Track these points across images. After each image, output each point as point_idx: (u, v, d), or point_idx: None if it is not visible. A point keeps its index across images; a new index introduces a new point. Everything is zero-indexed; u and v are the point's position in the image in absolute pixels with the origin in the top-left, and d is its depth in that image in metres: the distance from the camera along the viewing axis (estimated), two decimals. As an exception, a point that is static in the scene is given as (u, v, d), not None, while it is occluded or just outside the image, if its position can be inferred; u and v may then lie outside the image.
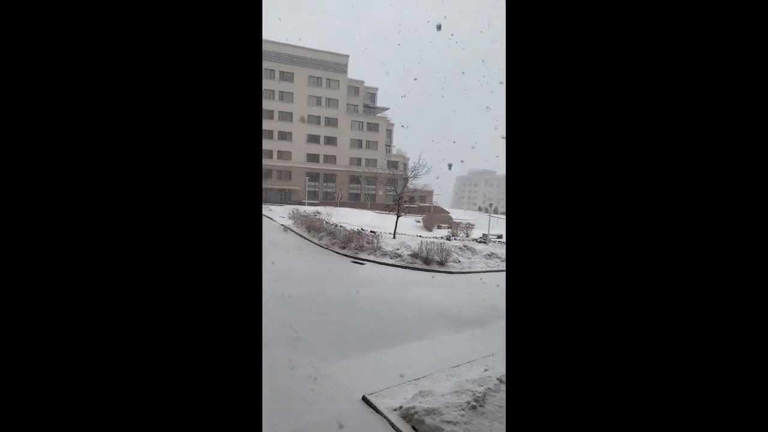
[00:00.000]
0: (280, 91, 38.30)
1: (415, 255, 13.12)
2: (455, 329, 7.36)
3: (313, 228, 17.34)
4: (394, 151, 46.13)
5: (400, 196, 18.85)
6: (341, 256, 13.57)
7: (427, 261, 12.84)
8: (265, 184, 37.89)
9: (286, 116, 38.88)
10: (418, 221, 28.45)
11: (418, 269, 12.41)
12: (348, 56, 40.67)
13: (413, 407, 4.30)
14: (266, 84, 37.56)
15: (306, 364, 5.47)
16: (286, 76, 38.34)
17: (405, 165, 39.87)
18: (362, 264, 12.65)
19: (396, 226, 18.26)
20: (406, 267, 12.48)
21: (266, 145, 38.26)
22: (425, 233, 22.08)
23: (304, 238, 16.57)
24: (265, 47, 36.85)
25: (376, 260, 13.02)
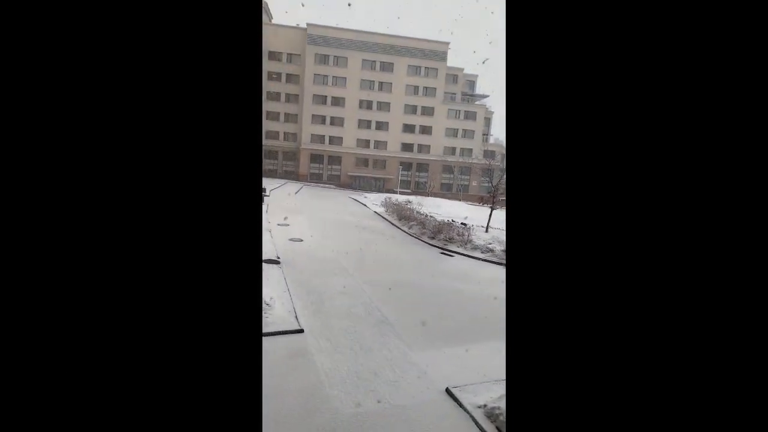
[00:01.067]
0: (379, 82, 39.36)
1: (508, 251, 12.46)
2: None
3: (404, 216, 17.65)
4: (491, 141, 44.05)
5: (496, 188, 17.97)
6: (430, 246, 13.60)
7: (521, 259, 12.09)
8: (362, 172, 39.67)
9: (384, 106, 39.87)
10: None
11: (510, 266, 11.78)
12: (448, 43, 39.76)
13: (498, 407, 4.16)
14: (366, 75, 38.95)
15: (392, 347, 5.67)
16: (386, 67, 39.18)
17: (503, 155, 37.84)
18: (451, 256, 12.50)
19: (489, 220, 17.53)
20: (497, 263, 11.96)
21: (365, 135, 39.92)
22: (521, 229, 20.70)
23: (395, 225, 17.00)
24: (363, 38, 38.10)
25: (466, 253, 12.73)
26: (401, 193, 34.46)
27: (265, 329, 5.62)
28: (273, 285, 7.46)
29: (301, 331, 5.86)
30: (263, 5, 36.21)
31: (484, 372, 5.10)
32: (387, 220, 18.40)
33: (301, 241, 12.00)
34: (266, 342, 5.34)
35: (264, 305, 6.13)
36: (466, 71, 43.54)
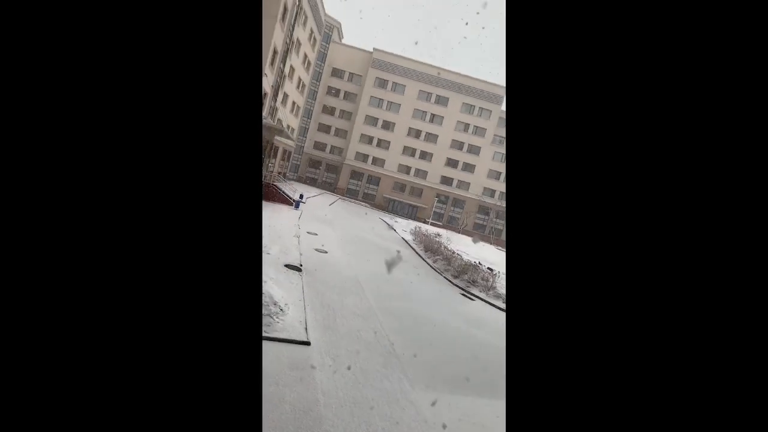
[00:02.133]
0: (432, 113, 40.08)
1: (532, 307, 11.92)
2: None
3: (431, 249, 17.44)
4: (533, 190, 43.21)
5: (530, 240, 17.42)
6: (452, 285, 13.28)
7: (544, 317, 11.51)
8: (398, 196, 39.96)
9: (432, 138, 40.40)
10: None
11: (532, 323, 11.23)
12: (504, 87, 40.10)
13: (495, 476, 3.86)
14: (420, 105, 39.82)
15: (394, 380, 5.48)
16: (441, 100, 39.92)
17: (542, 207, 36.84)
18: (471, 299, 12.11)
19: (517, 270, 16.92)
20: (518, 317, 11.43)
21: (408, 161, 40.46)
22: (549, 286, 19.84)
23: (420, 256, 16.81)
24: (424, 69, 39.18)
25: (488, 300, 12.30)
26: (432, 224, 34.22)
27: (275, 334, 5.63)
28: (290, 291, 7.52)
29: (308, 343, 5.82)
30: (338, 26, 38.41)
31: (488, 428, 4.79)
32: (413, 248, 18.25)
33: (326, 252, 12.11)
34: (272, 347, 5.33)
35: (278, 310, 6.17)
36: (519, 118, 43.47)
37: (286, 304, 6.55)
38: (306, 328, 6.20)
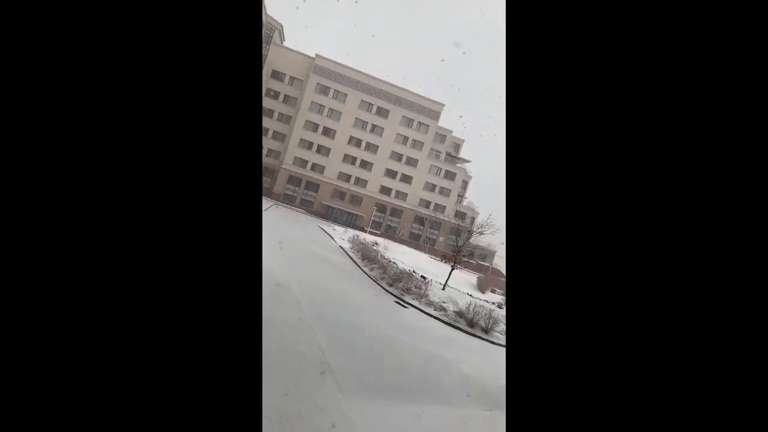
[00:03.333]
0: (372, 124, 40.73)
1: (460, 313, 12.60)
2: (483, 405, 6.82)
3: (368, 257, 17.62)
4: (465, 203, 45.80)
5: (460, 249, 18.47)
6: (386, 292, 13.53)
7: (471, 323, 12.24)
8: (337, 204, 39.71)
9: (373, 148, 41.00)
10: (474, 279, 27.43)
11: (460, 329, 11.86)
12: (443, 105, 42.27)
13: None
14: (362, 115, 40.29)
15: (326, 392, 5.45)
16: (382, 112, 40.79)
17: (473, 219, 39.20)
18: (405, 307, 12.46)
19: (448, 278, 17.81)
20: (448, 324, 12.01)
21: (348, 169, 40.50)
22: (477, 294, 21.18)
23: (357, 264, 16.88)
24: (367, 80, 39.85)
25: (420, 307, 12.74)
26: (371, 233, 34.56)
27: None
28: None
29: (235, 356, 5.55)
30: (280, 28, 37.53)
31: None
32: (350, 257, 18.27)
33: (259, 261, 11.64)
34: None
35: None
36: (454, 134, 46.05)
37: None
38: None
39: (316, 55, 38.97)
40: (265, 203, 30.54)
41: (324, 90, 39.44)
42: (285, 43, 41.13)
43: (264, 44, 36.51)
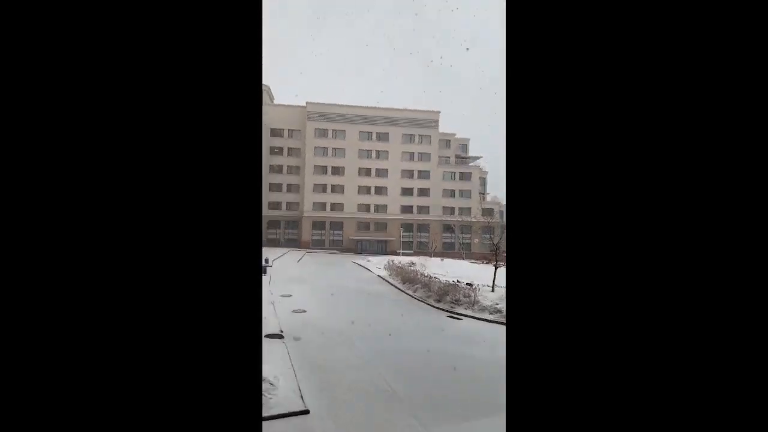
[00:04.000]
0: (376, 151, 41.41)
1: (517, 310, 12.12)
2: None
3: (408, 279, 17.44)
4: (489, 198, 45.06)
5: (497, 246, 18.00)
6: (437, 309, 13.25)
7: (531, 318, 11.72)
8: (364, 235, 39.98)
9: (383, 173, 41.50)
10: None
11: (521, 327, 11.38)
12: (439, 112, 42.58)
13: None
14: (364, 145, 41.09)
15: (404, 426, 5.29)
16: (382, 137, 41.49)
17: (501, 212, 38.35)
18: (459, 319, 12.13)
19: (494, 278, 17.30)
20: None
21: (365, 200, 40.99)
22: (528, 285, 20.29)
23: (399, 289, 16.72)
24: (359, 111, 40.83)
25: (474, 315, 12.37)
26: (404, 254, 34.37)
27: (268, 412, 5.30)
28: (277, 362, 7.17)
29: (306, 411, 5.52)
30: (265, 88, 39.45)
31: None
32: (391, 284, 18.15)
33: (305, 312, 11.75)
34: (270, 426, 5.00)
35: (268, 385, 5.85)
36: (458, 135, 46.00)
37: (275, 377, 6.23)
38: (301, 396, 5.90)
39: (307, 102, 40.52)
40: (297, 254, 31.13)
41: (323, 133, 40.69)
42: (275, 101, 43.10)
43: (257, 108, 38.33)
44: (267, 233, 40.13)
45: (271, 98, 42.56)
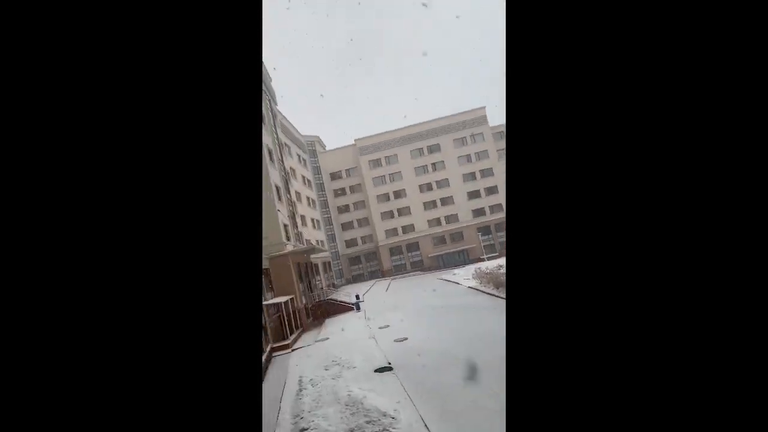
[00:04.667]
0: (432, 163, 41.36)
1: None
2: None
3: (501, 284, 16.63)
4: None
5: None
6: (541, 307, 12.35)
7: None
8: (442, 250, 39.44)
9: (443, 183, 41.14)
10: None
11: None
12: (485, 107, 41.48)
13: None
14: (418, 162, 41.37)
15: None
16: (433, 148, 41.44)
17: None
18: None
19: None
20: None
21: (433, 214, 40.79)
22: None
23: (495, 296, 15.98)
24: (404, 132, 41.38)
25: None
26: (489, 258, 33.06)
27: (398, 446, 5.31)
28: (392, 394, 7.23)
29: (435, 440, 5.43)
30: (317, 139, 42.23)
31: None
32: (484, 291, 17.46)
33: (406, 339, 11.77)
34: (403, 461, 4.99)
35: (390, 419, 5.91)
36: (510, 124, 44.08)
37: (395, 410, 6.27)
38: (425, 425, 5.84)
39: (355, 140, 42.37)
40: (383, 284, 31.70)
41: (376, 163, 41.96)
42: (327, 148, 45.83)
43: (312, 159, 41.15)
44: (351, 270, 41.72)
45: (323, 146, 45.34)
